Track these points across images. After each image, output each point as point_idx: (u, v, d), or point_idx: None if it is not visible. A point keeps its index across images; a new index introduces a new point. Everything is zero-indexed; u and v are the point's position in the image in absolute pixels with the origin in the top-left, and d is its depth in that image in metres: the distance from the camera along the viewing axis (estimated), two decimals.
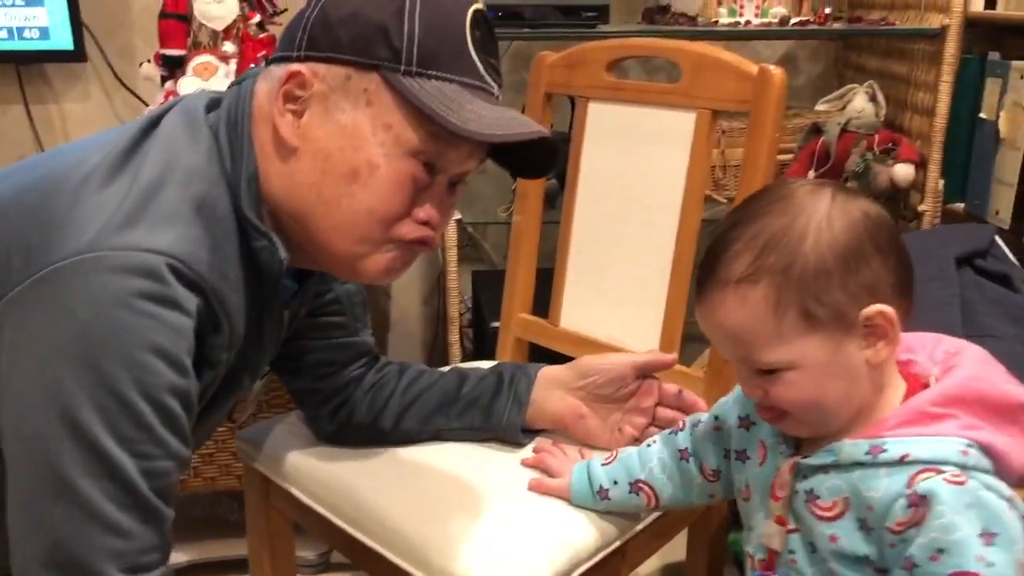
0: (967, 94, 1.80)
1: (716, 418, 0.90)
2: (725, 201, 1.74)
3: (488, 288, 1.77)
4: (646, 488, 0.93)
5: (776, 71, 1.05)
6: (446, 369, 1.13)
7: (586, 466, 0.96)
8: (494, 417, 1.06)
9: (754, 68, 1.07)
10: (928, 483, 0.68)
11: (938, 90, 1.60)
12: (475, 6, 0.83)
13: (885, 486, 0.70)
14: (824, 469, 0.74)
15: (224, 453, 1.55)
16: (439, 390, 1.08)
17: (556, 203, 1.41)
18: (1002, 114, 1.73)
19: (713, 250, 0.75)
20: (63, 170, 0.76)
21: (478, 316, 1.88)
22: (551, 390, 1.07)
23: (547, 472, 0.99)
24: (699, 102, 1.12)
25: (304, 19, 0.82)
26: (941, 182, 1.72)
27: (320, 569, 1.67)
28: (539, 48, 1.36)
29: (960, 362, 0.75)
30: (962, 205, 1.82)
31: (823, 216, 0.71)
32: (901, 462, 0.70)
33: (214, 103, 0.85)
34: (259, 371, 0.96)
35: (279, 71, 0.81)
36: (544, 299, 1.34)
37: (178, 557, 1.63)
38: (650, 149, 1.19)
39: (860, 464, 0.72)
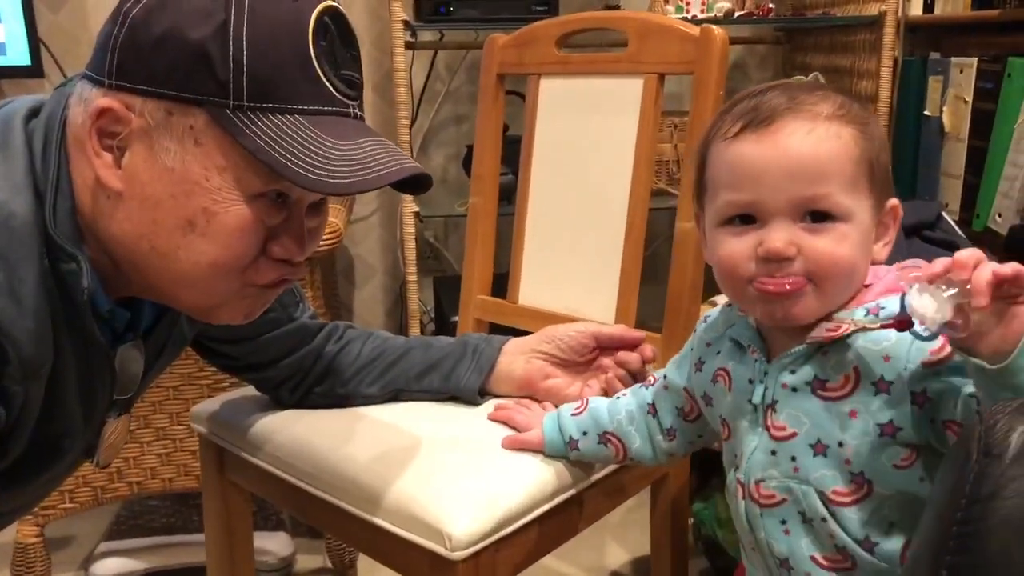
0: (911, 96, 1.85)
1: (665, 376, 0.91)
2: (679, 194, 1.76)
3: (449, 291, 1.78)
4: (614, 440, 0.93)
5: (718, 30, 1.08)
6: (412, 337, 1.12)
7: (556, 416, 0.96)
8: (452, 380, 1.06)
9: (696, 30, 1.10)
10: None
11: (879, 76, 1.64)
12: (321, 5, 0.71)
13: (897, 334, 0.67)
14: (823, 351, 0.71)
15: (183, 452, 1.52)
16: (400, 355, 1.08)
17: (513, 198, 1.43)
18: (945, 108, 1.78)
19: (776, 98, 0.71)
20: None
21: (439, 315, 1.88)
22: (516, 356, 1.07)
23: (516, 427, 0.98)
24: (645, 67, 1.15)
25: (111, 39, 0.70)
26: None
27: (283, 574, 1.63)
28: None
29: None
30: None
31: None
32: None
33: (36, 111, 0.75)
34: (94, 420, 0.83)
35: (90, 96, 0.71)
36: (502, 296, 1.34)
37: (135, 565, 1.59)
38: (601, 119, 1.22)
39: (862, 330, 0.69)
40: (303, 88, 0.70)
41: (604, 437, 0.93)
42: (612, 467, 1.01)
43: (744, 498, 0.77)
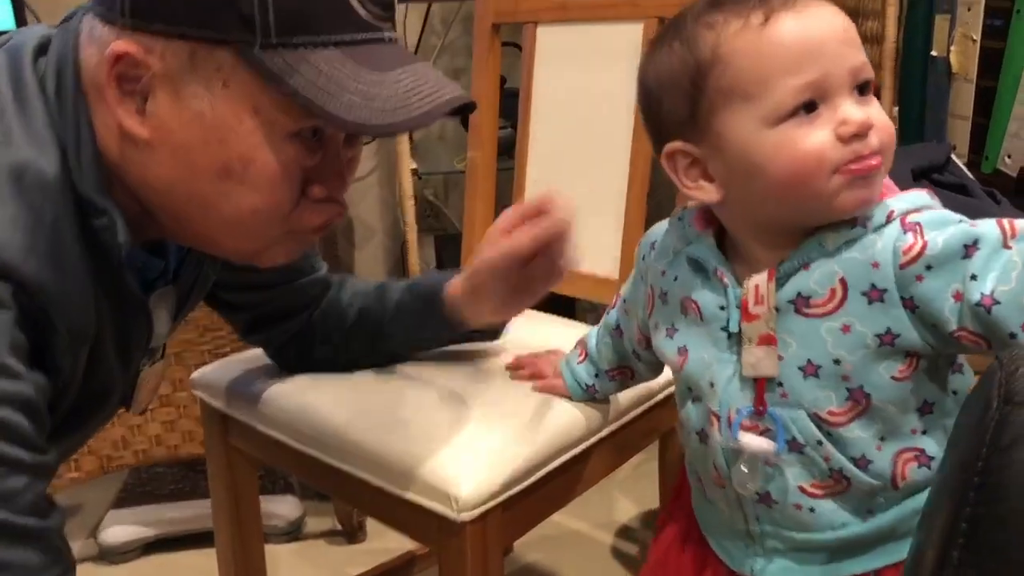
0: (918, 35, 1.80)
1: (624, 300, 0.89)
2: None
3: (451, 250, 1.76)
4: (618, 373, 0.94)
5: None
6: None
7: (567, 366, 0.97)
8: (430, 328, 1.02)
9: None
10: (916, 216, 0.65)
11: (885, 15, 1.60)
12: None
13: (882, 239, 0.65)
14: (805, 265, 0.67)
15: (187, 419, 1.51)
16: (366, 312, 1.03)
17: (513, 152, 1.40)
18: (952, 48, 1.74)
19: None
20: None
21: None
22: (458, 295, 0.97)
23: (542, 375, 0.99)
24: (646, 11, 1.12)
25: None
26: (895, 108, 1.73)
27: (292, 537, 1.63)
28: None
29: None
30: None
31: None
32: (888, 220, 0.66)
33: (43, 47, 0.70)
34: (130, 371, 0.81)
35: (103, 36, 0.66)
36: None
37: (144, 532, 1.59)
38: (601, 66, 1.19)
39: (847, 242, 0.66)
40: (332, 16, 0.65)
41: (610, 375, 0.94)
42: (616, 424, 1.00)
43: (720, 432, 0.73)
